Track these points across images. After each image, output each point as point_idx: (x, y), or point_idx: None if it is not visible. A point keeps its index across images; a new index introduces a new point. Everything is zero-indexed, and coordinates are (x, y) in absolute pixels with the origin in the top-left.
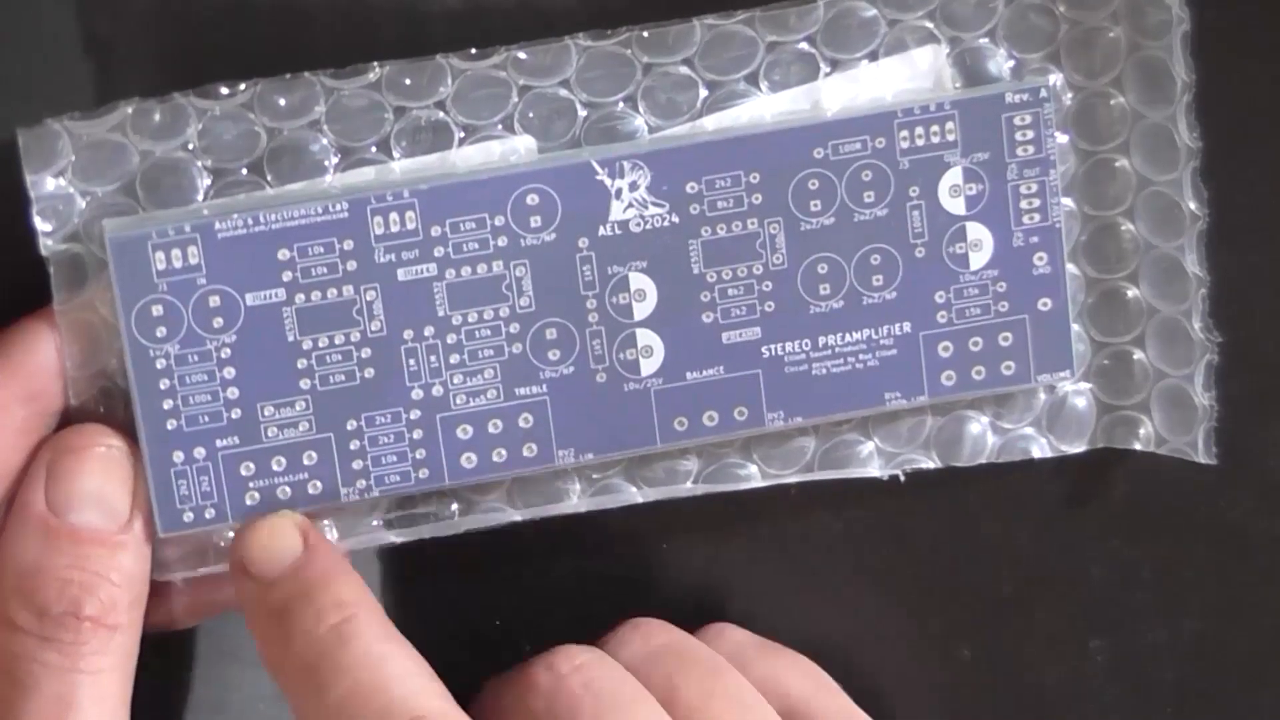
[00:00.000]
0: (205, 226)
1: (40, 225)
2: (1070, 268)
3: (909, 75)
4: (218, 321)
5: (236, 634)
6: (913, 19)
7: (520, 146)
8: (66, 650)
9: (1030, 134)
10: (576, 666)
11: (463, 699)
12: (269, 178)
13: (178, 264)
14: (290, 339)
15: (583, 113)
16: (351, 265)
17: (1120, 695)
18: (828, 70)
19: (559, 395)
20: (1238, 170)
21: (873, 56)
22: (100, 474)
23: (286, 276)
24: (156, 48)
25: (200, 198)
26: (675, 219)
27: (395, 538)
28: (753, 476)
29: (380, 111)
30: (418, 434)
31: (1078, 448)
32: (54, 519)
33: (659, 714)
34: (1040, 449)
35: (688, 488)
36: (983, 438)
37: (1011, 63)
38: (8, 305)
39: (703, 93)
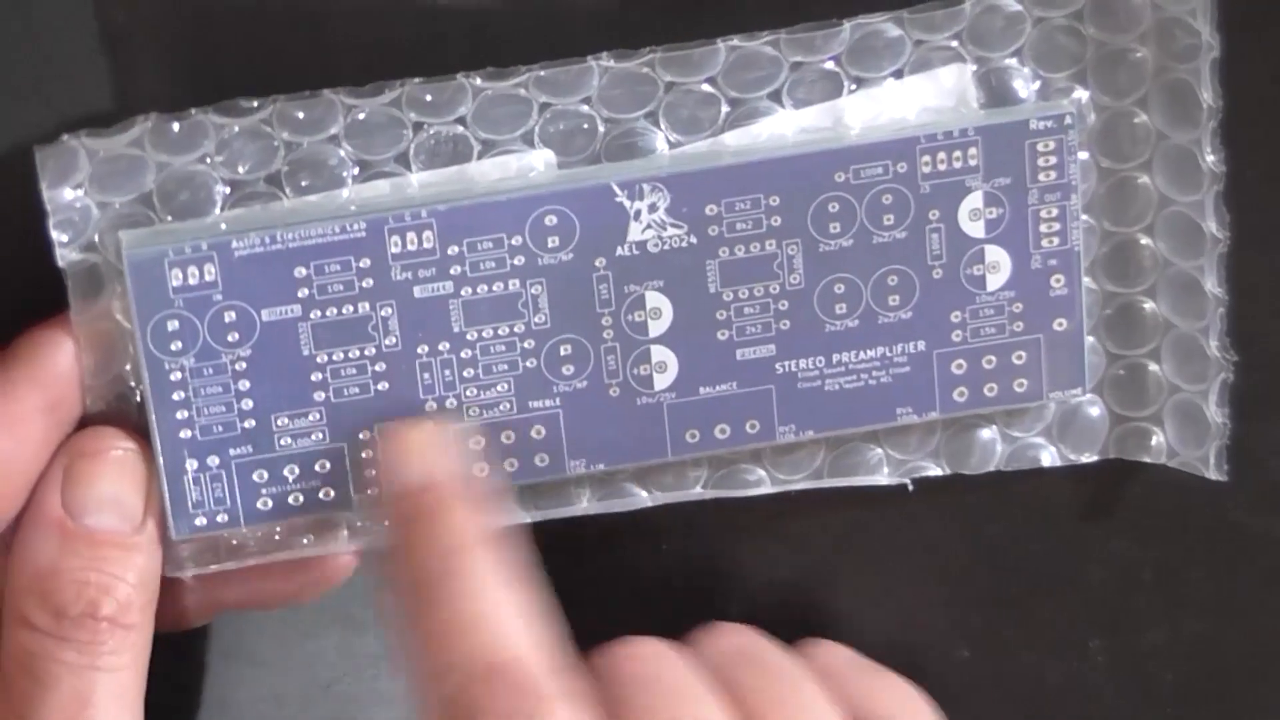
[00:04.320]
0: (222, 245)
1: (57, 236)
2: (1087, 281)
3: (933, 94)
4: (233, 336)
5: (242, 633)
6: (939, 39)
7: (539, 161)
8: (84, 649)
9: (1053, 159)
10: (634, 654)
11: None
12: (286, 190)
13: (194, 280)
14: (305, 353)
15: (603, 128)
16: (368, 283)
17: (1120, 695)
18: (852, 88)
19: (572, 408)
20: (1260, 190)
21: (898, 75)
22: (115, 477)
23: (302, 293)
24: (175, 63)
25: (217, 209)
26: (693, 240)
27: None
28: (761, 482)
29: (399, 127)
30: None
31: (1089, 458)
32: (70, 522)
33: (714, 712)
34: (1050, 458)
35: (697, 492)
36: (992, 446)
37: (1037, 83)
38: (24, 311)
39: (724, 109)
